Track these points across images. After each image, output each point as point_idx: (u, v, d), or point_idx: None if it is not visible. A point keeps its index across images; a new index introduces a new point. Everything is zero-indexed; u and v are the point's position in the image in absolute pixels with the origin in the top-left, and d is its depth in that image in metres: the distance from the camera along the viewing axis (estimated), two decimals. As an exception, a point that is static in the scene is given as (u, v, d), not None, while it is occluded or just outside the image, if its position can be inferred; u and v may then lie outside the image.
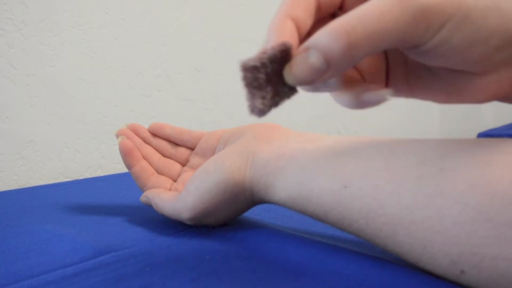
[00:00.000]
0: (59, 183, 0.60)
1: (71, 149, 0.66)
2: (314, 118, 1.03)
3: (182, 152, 0.41)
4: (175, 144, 0.41)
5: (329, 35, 0.19)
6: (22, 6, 0.60)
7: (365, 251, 0.28)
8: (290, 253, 0.28)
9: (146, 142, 0.40)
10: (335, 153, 0.28)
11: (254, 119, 0.28)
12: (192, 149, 0.41)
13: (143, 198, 0.37)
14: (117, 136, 0.39)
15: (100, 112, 0.70)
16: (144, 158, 0.39)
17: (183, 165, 0.40)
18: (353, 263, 0.26)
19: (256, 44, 0.92)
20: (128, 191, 0.50)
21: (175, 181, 0.39)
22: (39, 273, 0.26)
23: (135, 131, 0.40)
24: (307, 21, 0.22)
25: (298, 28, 0.22)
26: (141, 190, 0.38)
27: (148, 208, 0.39)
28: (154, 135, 0.41)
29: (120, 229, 0.35)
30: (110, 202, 0.45)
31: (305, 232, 0.33)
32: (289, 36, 0.21)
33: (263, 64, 0.20)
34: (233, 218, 0.35)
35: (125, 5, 0.72)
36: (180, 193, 0.33)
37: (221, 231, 0.34)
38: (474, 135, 1.15)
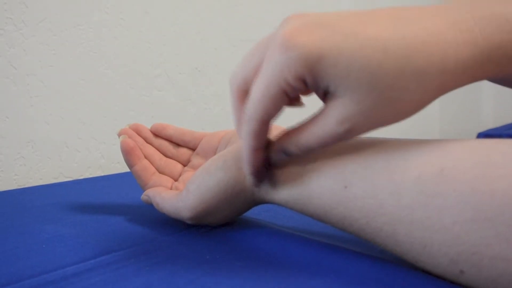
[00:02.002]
0: (59, 183, 0.60)
1: (71, 149, 0.66)
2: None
3: (184, 152, 0.41)
4: (177, 144, 0.41)
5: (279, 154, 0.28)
6: (22, 6, 0.60)
7: (365, 251, 0.28)
8: (290, 253, 0.28)
9: (148, 142, 0.40)
10: (335, 153, 0.28)
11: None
12: (193, 149, 0.41)
13: (144, 196, 0.37)
14: (119, 135, 0.39)
15: (100, 112, 0.70)
16: (145, 157, 0.39)
17: (185, 165, 0.41)
18: (353, 263, 0.26)
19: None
20: (128, 191, 0.50)
21: (176, 181, 0.39)
22: (39, 273, 0.26)
23: (137, 131, 0.40)
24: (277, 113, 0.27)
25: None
26: (142, 189, 0.38)
27: (148, 208, 0.39)
28: (156, 135, 0.41)
29: (120, 229, 0.35)
30: (110, 202, 0.45)
31: (305, 232, 0.33)
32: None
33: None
34: (233, 218, 0.35)
35: (125, 5, 0.72)
36: (180, 192, 0.33)
37: (221, 231, 0.34)
38: (474, 135, 1.15)
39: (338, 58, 0.23)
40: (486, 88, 1.81)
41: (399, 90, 0.23)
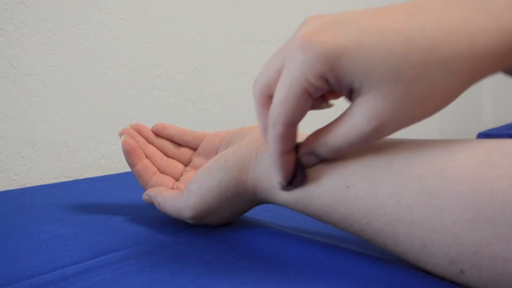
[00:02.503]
0: (59, 183, 0.60)
1: (71, 149, 0.66)
2: (314, 117, 1.03)
3: (185, 152, 0.41)
4: (178, 144, 0.41)
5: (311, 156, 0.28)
6: (22, 6, 0.60)
7: (365, 251, 0.28)
8: (290, 253, 0.29)
9: (149, 142, 0.40)
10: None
11: (254, 120, 0.28)
12: (195, 149, 0.41)
13: (145, 196, 0.37)
14: (120, 135, 0.39)
15: (100, 112, 0.70)
16: (147, 157, 0.39)
17: (186, 165, 0.41)
18: (353, 263, 0.26)
19: (256, 44, 0.93)
20: (129, 191, 0.50)
21: (177, 180, 0.39)
22: (39, 273, 0.26)
23: (139, 130, 0.40)
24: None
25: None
26: (143, 188, 0.38)
27: (148, 208, 0.39)
28: (157, 135, 0.41)
29: (120, 229, 0.35)
30: (110, 202, 0.45)
31: (305, 232, 0.33)
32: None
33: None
34: (234, 218, 0.35)
35: (125, 5, 0.72)
36: (182, 192, 0.33)
37: (221, 231, 0.34)
38: (474, 135, 1.15)
39: (358, 53, 0.23)
40: (486, 88, 1.82)
41: (426, 81, 0.23)
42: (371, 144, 0.26)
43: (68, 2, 0.65)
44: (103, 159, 0.70)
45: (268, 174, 0.30)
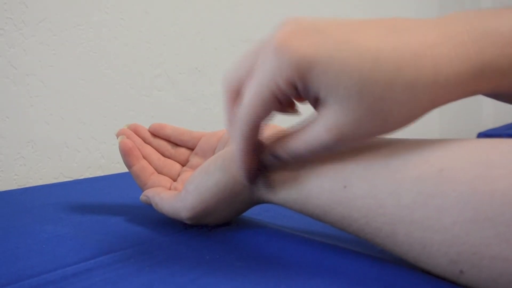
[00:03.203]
0: (59, 183, 0.60)
1: (71, 149, 0.66)
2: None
3: (182, 152, 0.41)
4: (175, 144, 0.41)
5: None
6: (22, 6, 0.60)
7: (365, 251, 0.28)
8: (290, 253, 0.29)
9: (146, 142, 0.40)
10: (335, 153, 0.28)
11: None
12: (192, 149, 0.41)
13: (143, 197, 0.37)
14: (117, 136, 0.39)
15: (100, 112, 0.70)
16: (144, 158, 0.39)
17: (183, 165, 0.40)
18: (353, 263, 0.26)
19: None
20: (128, 191, 0.50)
21: (175, 181, 0.39)
22: (39, 273, 0.27)
23: (136, 131, 0.40)
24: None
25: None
26: (141, 189, 0.38)
27: (148, 208, 0.39)
28: (155, 135, 0.41)
29: (120, 229, 0.35)
30: (110, 202, 0.45)
31: (305, 232, 0.33)
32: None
33: None
34: (232, 218, 0.35)
35: (125, 5, 0.72)
36: (179, 193, 0.33)
37: (221, 231, 0.34)
38: (474, 135, 1.15)
39: (329, 66, 0.23)
40: (486, 88, 1.81)
41: (389, 101, 0.23)
42: (330, 151, 0.27)
43: (68, 2, 0.65)
44: (103, 159, 0.70)
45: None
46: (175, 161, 0.40)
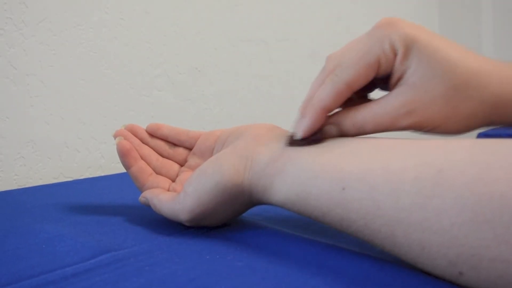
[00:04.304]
0: (59, 183, 0.60)
1: (71, 149, 0.66)
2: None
3: (180, 152, 0.41)
4: (173, 144, 0.41)
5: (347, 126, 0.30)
6: (22, 6, 0.60)
7: (365, 251, 0.28)
8: (290, 253, 0.29)
9: (144, 143, 0.40)
10: (333, 154, 0.28)
11: (253, 119, 0.28)
12: (190, 149, 0.40)
13: (141, 198, 0.37)
14: (115, 137, 0.39)
15: (100, 112, 0.70)
16: (142, 158, 0.39)
17: (181, 165, 0.40)
18: (353, 263, 0.26)
19: (256, 44, 0.93)
20: (128, 191, 0.50)
21: (173, 181, 0.39)
22: (39, 273, 0.27)
23: (133, 131, 0.40)
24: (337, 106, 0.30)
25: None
26: (140, 190, 0.38)
27: (148, 208, 0.39)
28: (152, 135, 0.41)
29: (120, 229, 0.35)
30: (110, 202, 0.45)
31: (305, 232, 0.33)
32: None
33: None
34: (231, 219, 0.35)
35: (125, 5, 0.72)
36: (178, 194, 0.33)
37: (221, 231, 0.34)
38: (474, 135, 1.15)
39: (426, 47, 0.28)
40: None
41: (462, 92, 0.28)
42: (393, 130, 0.29)
43: (68, 2, 0.65)
44: (103, 159, 0.70)
45: (262, 175, 0.30)
46: (173, 161, 0.40)
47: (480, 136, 1.11)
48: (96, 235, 0.34)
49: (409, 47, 0.28)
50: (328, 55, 0.31)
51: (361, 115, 0.29)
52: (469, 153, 0.23)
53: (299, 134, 0.30)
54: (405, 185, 0.23)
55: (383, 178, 0.24)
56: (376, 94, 0.32)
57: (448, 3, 1.55)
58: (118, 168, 0.71)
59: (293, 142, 0.30)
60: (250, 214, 0.36)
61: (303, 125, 0.30)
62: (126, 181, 0.56)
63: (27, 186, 0.61)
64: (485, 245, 0.20)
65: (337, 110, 0.31)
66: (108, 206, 0.43)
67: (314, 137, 0.30)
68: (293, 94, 0.97)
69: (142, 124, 0.41)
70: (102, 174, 0.69)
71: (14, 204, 0.45)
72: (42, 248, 0.31)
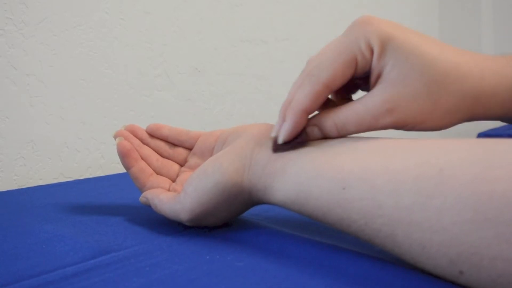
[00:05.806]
0: (59, 183, 0.60)
1: (71, 149, 0.66)
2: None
3: (180, 152, 0.41)
4: (173, 144, 0.41)
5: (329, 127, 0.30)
6: (22, 6, 0.60)
7: (365, 251, 0.28)
8: (290, 253, 0.29)
9: (144, 143, 0.40)
10: (334, 154, 0.28)
11: (253, 119, 0.28)
12: (190, 149, 0.41)
13: (142, 198, 0.37)
14: (115, 137, 0.39)
15: (100, 112, 0.70)
16: (142, 159, 0.39)
17: (182, 165, 0.40)
18: (353, 263, 0.26)
19: (256, 44, 0.93)
20: (128, 191, 0.50)
21: (173, 181, 0.39)
22: (39, 273, 0.27)
23: (133, 132, 0.40)
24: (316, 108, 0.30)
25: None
26: (140, 190, 0.38)
27: (148, 208, 0.39)
28: (152, 136, 0.41)
29: (120, 229, 0.35)
30: (110, 202, 0.45)
31: (305, 232, 0.33)
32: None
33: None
34: (232, 219, 0.35)
35: (125, 5, 0.72)
36: (178, 194, 0.33)
37: (221, 231, 0.34)
38: (474, 135, 1.15)
39: (403, 43, 0.28)
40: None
41: (442, 87, 0.27)
42: (376, 129, 0.29)
43: (68, 2, 0.65)
44: (103, 159, 0.70)
45: (262, 175, 0.30)
46: (174, 161, 0.40)
47: (480, 136, 1.12)
48: (96, 235, 0.34)
49: (386, 44, 0.28)
50: (308, 58, 0.31)
51: (343, 114, 0.29)
52: (470, 153, 0.23)
53: (281, 138, 0.29)
54: (406, 184, 0.23)
55: (383, 178, 0.24)
56: (358, 95, 0.32)
57: (448, 4, 1.55)
58: (118, 168, 0.71)
59: (278, 147, 0.30)
60: (250, 214, 0.36)
61: (284, 129, 0.29)
62: (126, 181, 0.56)
63: (27, 186, 0.61)
64: (486, 243, 0.20)
65: (320, 110, 0.30)
66: (108, 206, 0.43)
67: (297, 140, 0.29)
68: (293, 94, 0.97)
69: (142, 125, 0.41)
70: (102, 174, 0.69)
71: (14, 204, 0.45)
72: (42, 248, 0.31)
